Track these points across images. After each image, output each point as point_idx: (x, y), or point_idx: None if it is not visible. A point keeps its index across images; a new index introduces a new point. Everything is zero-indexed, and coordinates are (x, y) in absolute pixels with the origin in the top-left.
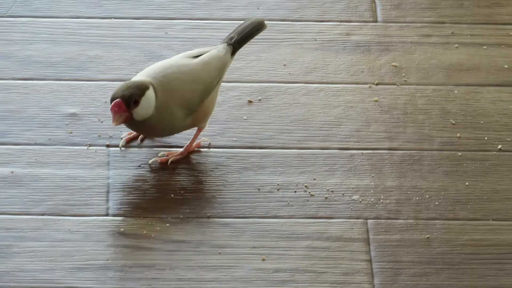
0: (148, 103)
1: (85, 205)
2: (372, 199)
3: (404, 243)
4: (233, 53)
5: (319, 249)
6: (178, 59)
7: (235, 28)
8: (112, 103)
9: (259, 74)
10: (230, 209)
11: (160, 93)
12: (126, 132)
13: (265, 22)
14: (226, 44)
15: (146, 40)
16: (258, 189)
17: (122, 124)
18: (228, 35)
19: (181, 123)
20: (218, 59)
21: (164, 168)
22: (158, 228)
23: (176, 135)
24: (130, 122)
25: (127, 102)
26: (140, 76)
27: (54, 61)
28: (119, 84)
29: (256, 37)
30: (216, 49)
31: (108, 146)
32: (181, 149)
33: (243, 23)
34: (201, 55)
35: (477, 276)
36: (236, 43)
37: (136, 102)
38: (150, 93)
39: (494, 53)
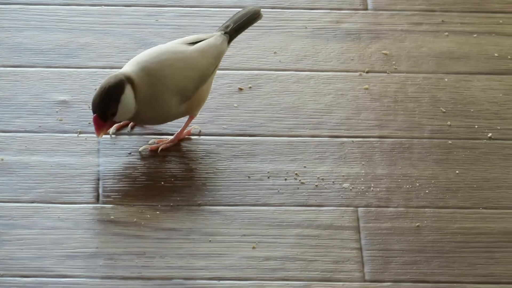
0: (126, 106)
1: (75, 193)
2: (362, 187)
3: (394, 231)
4: (229, 41)
5: (309, 237)
6: (174, 45)
7: (231, 16)
8: (93, 118)
9: (249, 62)
10: (220, 197)
11: (143, 84)
12: None
13: (261, 11)
14: (222, 32)
15: (137, 27)
16: (249, 177)
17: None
18: (224, 23)
19: (174, 110)
20: (215, 47)
21: (155, 155)
22: (148, 215)
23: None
24: None
25: (104, 117)
26: (131, 64)
27: (44, 48)
28: (108, 73)
29: None
30: (213, 37)
31: None
32: (172, 137)
33: (239, 11)
34: (197, 41)
35: (467, 264)
36: (232, 31)
37: (113, 113)
38: (126, 95)
39: (484, 41)
